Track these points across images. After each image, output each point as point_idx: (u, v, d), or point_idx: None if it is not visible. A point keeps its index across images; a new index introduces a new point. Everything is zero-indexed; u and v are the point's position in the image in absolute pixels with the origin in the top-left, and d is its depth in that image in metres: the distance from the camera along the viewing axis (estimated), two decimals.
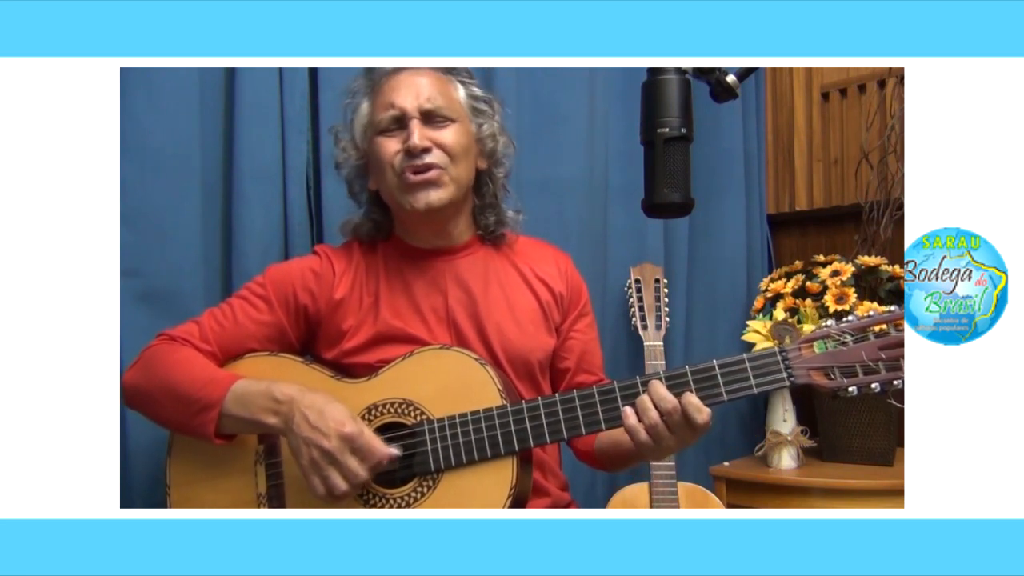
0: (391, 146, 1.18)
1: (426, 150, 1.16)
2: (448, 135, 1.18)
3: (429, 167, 1.16)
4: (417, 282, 1.23)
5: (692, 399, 1.01)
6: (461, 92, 1.23)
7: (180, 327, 1.18)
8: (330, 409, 1.04)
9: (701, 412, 1.01)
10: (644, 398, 1.02)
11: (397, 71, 1.21)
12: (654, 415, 1.01)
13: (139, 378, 1.15)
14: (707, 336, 2.09)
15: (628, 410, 1.03)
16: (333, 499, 1.03)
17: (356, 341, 1.18)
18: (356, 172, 1.26)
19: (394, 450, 1.05)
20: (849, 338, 1.01)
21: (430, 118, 1.18)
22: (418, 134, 1.16)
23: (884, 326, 1.00)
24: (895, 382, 0.97)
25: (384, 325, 1.18)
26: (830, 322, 1.03)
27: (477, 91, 1.25)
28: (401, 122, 1.18)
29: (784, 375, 1.01)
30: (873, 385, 0.98)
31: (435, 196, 1.17)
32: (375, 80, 1.22)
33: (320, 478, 1.03)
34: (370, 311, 1.20)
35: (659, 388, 1.02)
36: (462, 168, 1.20)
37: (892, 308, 1.02)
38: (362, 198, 1.28)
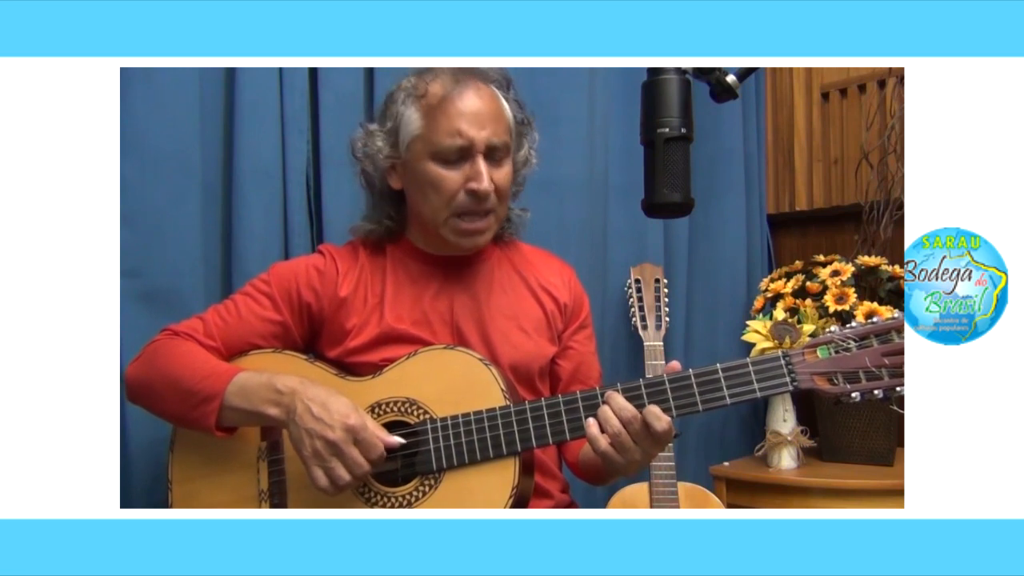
0: (453, 179, 1.15)
1: (489, 194, 1.16)
2: (503, 175, 1.17)
3: (487, 212, 1.17)
4: (423, 285, 1.23)
5: (652, 408, 1.01)
6: (509, 114, 1.21)
7: (184, 323, 1.19)
8: (333, 401, 1.04)
9: (660, 420, 1.01)
10: (605, 408, 1.02)
11: (459, 87, 1.15)
12: (616, 424, 1.01)
13: (142, 371, 1.15)
14: (707, 336, 2.09)
15: (591, 420, 1.03)
16: (335, 490, 1.03)
17: (360, 340, 1.18)
18: (380, 168, 1.22)
19: (397, 438, 1.06)
20: (853, 344, 1.00)
21: (491, 153, 1.16)
22: (487, 177, 1.14)
23: (888, 332, 0.99)
24: (898, 389, 0.97)
25: (388, 327, 1.18)
26: (834, 328, 1.03)
27: (519, 112, 1.23)
28: (466, 154, 1.15)
29: (787, 379, 1.01)
30: (876, 391, 0.98)
31: (482, 240, 1.20)
32: (430, 90, 1.16)
33: (323, 469, 1.03)
34: (374, 311, 1.20)
35: (618, 398, 1.02)
36: (507, 204, 1.22)
37: (896, 314, 1.01)
38: (377, 188, 1.26)
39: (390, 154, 1.20)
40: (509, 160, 1.20)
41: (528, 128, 1.25)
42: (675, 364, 1.06)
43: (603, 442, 1.02)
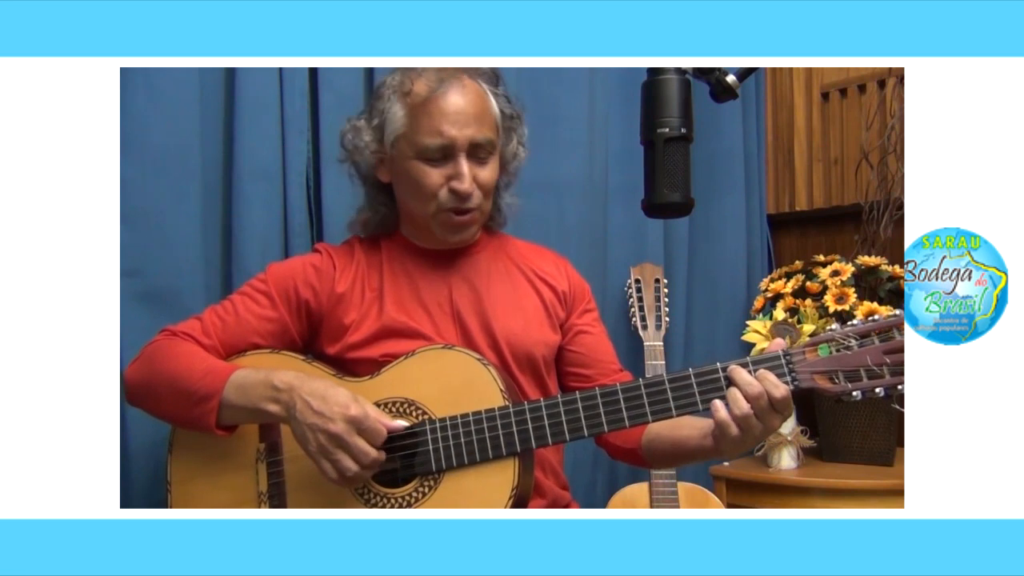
0: (435, 177, 1.16)
1: (470, 193, 1.17)
2: (487, 172, 1.18)
3: (471, 211, 1.18)
4: (421, 277, 1.23)
5: (769, 375, 0.99)
6: (495, 109, 1.21)
7: (182, 323, 1.19)
8: (332, 393, 1.04)
9: (778, 388, 0.99)
10: (734, 390, 1.00)
11: (444, 86, 1.15)
12: (745, 406, 0.99)
13: (140, 373, 1.15)
14: (707, 336, 2.09)
15: (718, 403, 1.01)
16: (345, 482, 1.03)
17: (359, 335, 1.18)
18: (368, 161, 1.24)
19: (400, 422, 1.06)
20: (853, 342, 1.00)
21: (475, 152, 1.17)
22: (468, 177, 1.15)
23: (889, 330, 0.99)
24: (899, 387, 0.96)
25: (388, 319, 1.19)
26: (834, 326, 1.02)
27: (507, 107, 1.23)
28: (448, 153, 1.16)
29: (788, 379, 1.00)
30: (877, 390, 0.98)
31: (468, 234, 1.22)
32: (414, 88, 1.17)
33: (330, 462, 1.02)
34: (373, 305, 1.20)
35: (743, 373, 1.00)
36: (491, 199, 1.23)
37: (896, 312, 1.01)
38: (367, 180, 1.27)
39: (376, 149, 1.22)
40: (495, 157, 1.20)
41: (517, 122, 1.26)
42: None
43: (733, 428, 1.00)
